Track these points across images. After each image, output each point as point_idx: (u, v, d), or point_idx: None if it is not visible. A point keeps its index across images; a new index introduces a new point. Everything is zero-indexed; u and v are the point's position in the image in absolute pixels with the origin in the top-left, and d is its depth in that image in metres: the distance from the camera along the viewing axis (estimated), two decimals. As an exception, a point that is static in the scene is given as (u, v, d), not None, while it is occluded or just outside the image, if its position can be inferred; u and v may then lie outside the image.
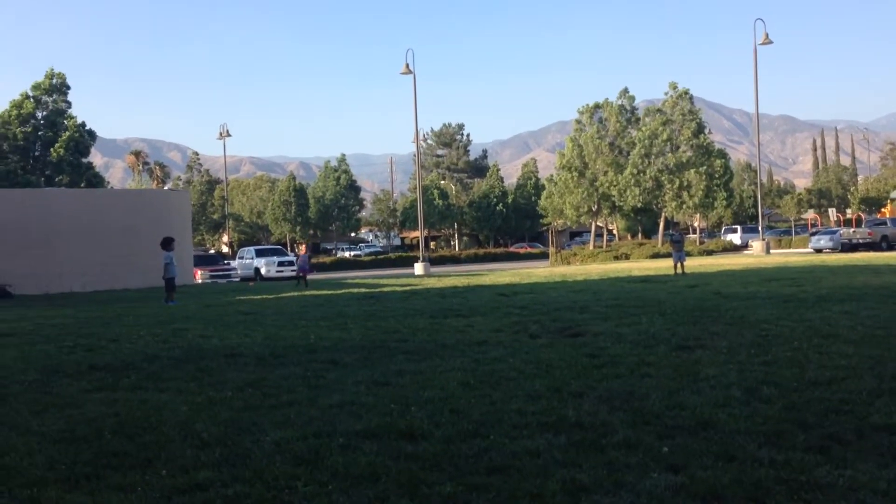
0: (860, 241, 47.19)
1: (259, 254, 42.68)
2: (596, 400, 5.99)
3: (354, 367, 8.05)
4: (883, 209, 77.46)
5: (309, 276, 27.48)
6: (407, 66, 44.61)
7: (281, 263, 40.68)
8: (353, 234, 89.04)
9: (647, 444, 4.69)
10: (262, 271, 40.23)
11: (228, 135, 67.23)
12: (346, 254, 76.64)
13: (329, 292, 21.94)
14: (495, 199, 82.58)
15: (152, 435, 5.39)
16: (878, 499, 3.58)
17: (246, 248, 46.63)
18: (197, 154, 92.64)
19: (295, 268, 22.67)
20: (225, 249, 75.07)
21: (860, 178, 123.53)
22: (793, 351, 7.89)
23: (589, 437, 4.88)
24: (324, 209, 76.83)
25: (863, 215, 74.55)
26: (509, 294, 18.26)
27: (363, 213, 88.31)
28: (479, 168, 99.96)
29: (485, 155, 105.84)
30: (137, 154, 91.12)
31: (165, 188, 74.16)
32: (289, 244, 75.27)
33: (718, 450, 4.50)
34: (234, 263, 43.36)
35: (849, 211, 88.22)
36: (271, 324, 12.81)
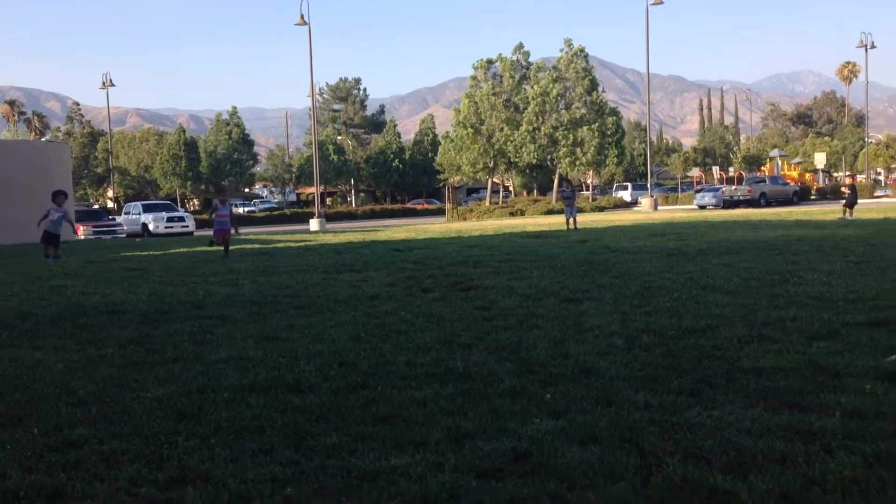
0: (741, 198, 49.42)
1: (147, 209, 41.15)
2: (484, 351, 6.08)
3: (244, 322, 7.91)
4: (762, 167, 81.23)
5: (199, 232, 26.71)
6: (302, 16, 43.48)
7: (170, 219, 39.40)
8: (247, 190, 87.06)
9: (531, 391, 4.80)
10: (150, 227, 38.85)
11: (112, 84, 64.20)
12: (240, 210, 74.87)
13: (220, 248, 21.40)
14: (392, 156, 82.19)
15: (24, 393, 5.16)
16: (742, 436, 3.78)
17: (133, 204, 44.87)
18: (78, 104, 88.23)
19: (221, 225, 18.03)
20: (110, 205, 72.08)
21: (742, 137, 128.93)
22: (673, 301, 8.20)
23: (475, 387, 4.96)
24: (216, 164, 74.60)
25: (744, 173, 78.00)
26: (404, 249, 18.28)
27: (257, 169, 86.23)
28: (376, 124, 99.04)
29: (382, 110, 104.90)
30: (12, 103, 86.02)
31: (43, 140, 70.32)
32: (179, 199, 72.92)
33: (598, 395, 4.65)
34: (120, 219, 41.71)
35: (731, 169, 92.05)
36: (158, 280, 12.43)
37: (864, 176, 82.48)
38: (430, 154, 78.52)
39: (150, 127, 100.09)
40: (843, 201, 27.38)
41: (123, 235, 36.61)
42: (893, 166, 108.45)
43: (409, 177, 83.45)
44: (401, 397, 4.76)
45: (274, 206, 79.28)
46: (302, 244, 22.58)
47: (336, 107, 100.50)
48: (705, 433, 3.86)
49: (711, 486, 3.19)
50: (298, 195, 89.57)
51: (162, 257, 18.10)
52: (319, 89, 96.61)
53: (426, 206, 75.51)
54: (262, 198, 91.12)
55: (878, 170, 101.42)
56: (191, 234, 38.24)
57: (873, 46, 68.46)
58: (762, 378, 4.90)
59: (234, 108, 79.69)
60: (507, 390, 4.84)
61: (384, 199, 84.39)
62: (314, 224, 42.05)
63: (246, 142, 77.43)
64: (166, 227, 38.53)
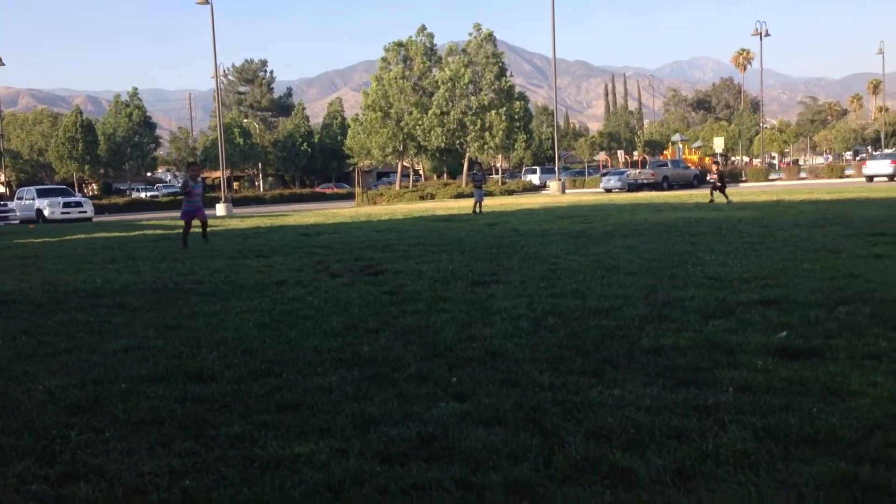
0: (644, 181, 50.80)
1: (41, 194, 39.34)
2: (392, 335, 6.06)
3: (144, 310, 7.66)
4: (665, 151, 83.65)
5: (98, 218, 25.72)
6: (204, -5, 42.24)
7: (66, 205, 37.83)
8: (149, 174, 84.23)
9: (437, 375, 4.81)
10: (46, 213, 37.19)
11: (2, 63, 61.02)
12: (142, 194, 72.54)
13: (121, 234, 20.71)
14: (301, 139, 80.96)
15: None
16: (642, 414, 3.87)
17: (26, 188, 42.83)
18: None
19: (192, 205, 15.44)
20: (1, 190, 68.67)
21: (646, 122, 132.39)
22: (578, 283, 8.34)
23: (382, 372, 4.93)
24: (115, 147, 71.81)
25: (647, 157, 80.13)
26: (313, 234, 18.07)
27: (160, 152, 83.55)
28: (284, 106, 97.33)
29: (290, 93, 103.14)
30: None
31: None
32: (76, 184, 70.03)
33: (504, 377, 4.69)
34: (13, 205, 39.79)
35: (636, 153, 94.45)
36: (53, 268, 11.92)
37: (759, 160, 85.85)
38: (339, 138, 77.67)
39: (45, 108, 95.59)
40: (710, 186, 28.24)
41: (16, 222, 34.99)
42: (787, 150, 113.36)
43: (319, 161, 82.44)
44: (306, 384, 4.70)
45: (177, 190, 76.93)
46: (208, 230, 22.01)
47: (242, 89, 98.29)
48: (606, 412, 3.94)
49: (611, 464, 3.25)
50: (203, 179, 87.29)
51: (58, 245, 17.37)
52: (224, 71, 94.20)
53: (336, 190, 74.82)
54: (166, 182, 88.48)
55: (773, 154, 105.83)
56: (89, 219, 36.84)
57: (767, 34, 71.14)
58: (661, 357, 5.03)
59: (135, 88, 76.84)
60: (413, 374, 4.83)
61: (293, 183, 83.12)
62: (220, 209, 41.11)
63: (147, 124, 74.81)
64: (63, 213, 36.97)
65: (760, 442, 3.40)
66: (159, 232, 21.25)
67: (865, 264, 8.74)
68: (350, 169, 72.66)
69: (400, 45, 59.21)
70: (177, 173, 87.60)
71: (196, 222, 15.87)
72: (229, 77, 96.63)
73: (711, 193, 27.42)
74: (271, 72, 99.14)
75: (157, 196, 69.28)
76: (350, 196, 63.31)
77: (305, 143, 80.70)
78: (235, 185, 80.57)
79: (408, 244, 14.08)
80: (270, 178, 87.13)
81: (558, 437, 3.61)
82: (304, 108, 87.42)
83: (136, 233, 21.35)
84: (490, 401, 4.22)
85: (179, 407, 4.29)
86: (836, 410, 3.75)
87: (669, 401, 4.07)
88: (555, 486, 3.09)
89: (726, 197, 26.62)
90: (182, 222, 15.84)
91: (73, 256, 13.93)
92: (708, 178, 33.08)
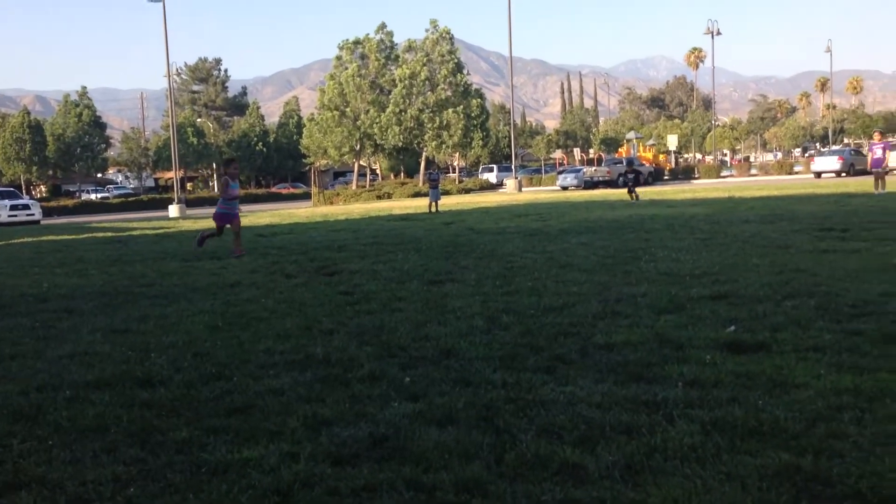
0: (600, 178, 51.30)
1: (-13, 197, 38.43)
2: (346, 336, 6.02)
3: (92, 315, 7.51)
4: (620, 149, 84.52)
5: (46, 221, 25.18)
6: (154, -7, 41.61)
7: (14, 207, 37.00)
8: (99, 175, 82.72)
9: (391, 375, 4.79)
10: (-7, 216, 36.35)
11: (-55, 63, 59.43)
12: (93, 196, 71.11)
13: (69, 237, 20.31)
14: (256, 139, 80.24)
15: None
16: (593, 410, 3.90)
17: (-29, 191, 41.80)
18: None
19: (228, 207, 13.33)
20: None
21: (601, 119, 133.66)
22: (533, 281, 8.38)
23: (335, 373, 4.90)
24: (64, 148, 70.37)
25: (603, 155, 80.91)
26: (268, 235, 17.92)
27: (111, 153, 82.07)
28: (238, 106, 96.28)
29: (244, 92, 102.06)
30: None
31: None
32: (23, 186, 68.46)
33: (457, 376, 4.69)
34: (-42, 208, 38.75)
35: (592, 151, 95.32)
36: (-2, 273, 11.63)
37: (712, 157, 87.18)
38: (295, 137, 77.13)
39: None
40: (629, 185, 27.79)
41: (-39, 225, 34.06)
42: (738, 147, 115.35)
43: (274, 160, 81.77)
44: (257, 387, 4.64)
45: (130, 192, 75.70)
46: (160, 231, 21.73)
47: (196, 88, 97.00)
48: (558, 409, 3.96)
49: (562, 460, 3.27)
50: (157, 180, 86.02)
51: (3, 248, 16.97)
52: (177, 70, 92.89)
53: (292, 190, 74.25)
54: (117, 183, 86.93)
55: (725, 151, 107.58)
56: (37, 222, 36.07)
57: (719, 33, 72.27)
58: (613, 353, 5.07)
59: (84, 88, 75.40)
60: (366, 375, 4.81)
61: (248, 183, 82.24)
62: (174, 210, 40.56)
63: (98, 124, 73.48)
64: (9, 216, 36.14)
65: (707, 435, 3.45)
66: (110, 234, 20.88)
67: (812, 259, 8.92)
68: (306, 168, 72.16)
69: (356, 42, 58.94)
70: (128, 174, 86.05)
71: (228, 226, 13.43)
72: (182, 76, 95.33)
73: (630, 192, 27.08)
74: (226, 70, 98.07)
75: (107, 198, 67.93)
76: (306, 196, 62.88)
77: (261, 143, 80.00)
78: (189, 185, 79.52)
79: (364, 244, 14.03)
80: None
81: (510, 435, 3.62)
82: (259, 108, 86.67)
83: (86, 235, 20.96)
84: (443, 400, 4.21)
85: (126, 413, 4.21)
86: (780, 403, 3.82)
87: (620, 396, 4.11)
88: (506, 484, 3.10)
89: (635, 196, 26.44)
90: (213, 224, 13.64)
91: (20, 260, 13.63)
92: (625, 176, 31.92)
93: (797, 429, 3.46)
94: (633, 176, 28.28)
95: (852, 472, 2.95)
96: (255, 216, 29.48)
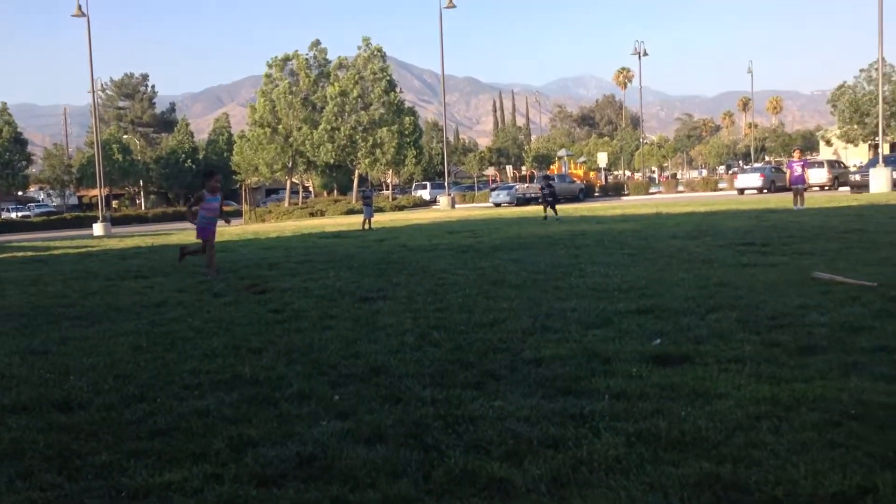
0: (532, 195, 51.86)
1: None
2: (275, 355, 5.94)
3: (8, 336, 7.24)
4: (552, 166, 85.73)
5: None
6: (79, 7, 40.71)
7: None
8: (20, 193, 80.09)
9: (320, 393, 4.74)
10: None
11: None
12: (13, 215, 68.78)
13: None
14: (185, 156, 78.89)
15: None
16: (521, 424, 3.92)
17: None
18: None
19: (207, 222, 12.40)
20: None
21: (533, 137, 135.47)
22: (464, 297, 8.42)
23: (263, 392, 4.82)
24: (-17, 165, 67.99)
25: (535, 172, 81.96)
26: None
27: (32, 170, 79.53)
28: (166, 122, 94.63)
29: (173, 108, 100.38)
30: None
31: None
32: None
33: (387, 393, 4.67)
34: None
35: (524, 168, 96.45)
36: None
37: (640, 174, 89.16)
38: (225, 154, 76.09)
39: None
40: (541, 202, 27.42)
41: None
42: (666, 165, 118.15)
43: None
44: (181, 408, 4.54)
45: (52, 209, 73.44)
46: (83, 250, 21.12)
47: (122, 104, 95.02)
48: (487, 424, 3.97)
49: (489, 475, 3.28)
50: (80, 198, 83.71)
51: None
52: (102, 85, 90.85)
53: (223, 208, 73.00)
54: (39, 201, 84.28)
55: (653, 168, 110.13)
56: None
57: (646, 54, 74.13)
58: (542, 367, 5.12)
59: (4, 104, 73.03)
60: (295, 394, 4.75)
61: (177, 201, 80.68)
62: (98, 228, 39.55)
63: (18, 141, 71.13)
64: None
65: (632, 447, 3.50)
66: (30, 254, 20.21)
67: (734, 273, 9.18)
68: (237, 186, 71.17)
69: (286, 59, 58.57)
70: (50, 192, 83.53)
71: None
72: (108, 91, 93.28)
73: (545, 209, 26.92)
74: (153, 86, 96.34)
75: (28, 216, 65.79)
76: (237, 213, 62.01)
77: (190, 160, 78.67)
78: (115, 203, 77.60)
79: (295, 261, 13.89)
80: (153, 196, 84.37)
81: (439, 452, 3.62)
82: (188, 124, 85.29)
83: (5, 255, 20.25)
84: (372, 418, 4.18)
85: (43, 437, 4.06)
86: (702, 413, 3.91)
87: (548, 410, 4.14)
88: (433, 501, 3.09)
89: (554, 211, 26.45)
90: (201, 238, 12.47)
91: (-66, 281, 13.05)
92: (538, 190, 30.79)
93: (717, 438, 3.54)
94: (549, 192, 27.63)
95: (769, 479, 3.03)
96: (183, 234, 28.91)
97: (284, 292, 9.64)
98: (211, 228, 12.50)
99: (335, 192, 79.63)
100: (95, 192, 58.95)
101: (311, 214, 51.50)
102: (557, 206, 27.95)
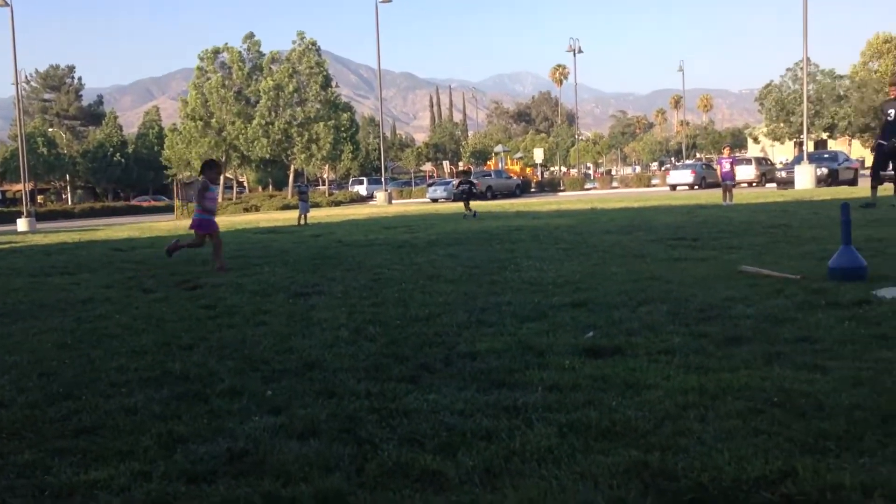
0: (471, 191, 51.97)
1: None
2: (206, 351, 5.84)
3: (-75, 335, 6.96)
4: (489, 162, 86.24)
5: None
6: (1, -6, 39.25)
7: None
8: (-60, 187, 77.06)
9: (252, 389, 4.68)
10: None
11: None
12: (-68, 210, 66.04)
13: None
14: (114, 149, 76.94)
15: None
16: (455, 417, 3.94)
17: None
18: None
19: (206, 217, 12.05)
20: None
21: (470, 133, 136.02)
22: (400, 292, 8.40)
23: (193, 389, 4.74)
24: None
25: (472, 167, 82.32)
26: (126, 249, 17.18)
27: (-48, 163, 76.54)
28: (94, 115, 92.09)
29: (101, 101, 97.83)
30: None
31: None
32: None
33: (321, 388, 4.63)
34: None
35: (461, 164, 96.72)
36: None
37: (576, 170, 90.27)
38: (156, 148, 74.49)
39: None
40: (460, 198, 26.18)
41: None
42: (601, 161, 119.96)
43: (134, 172, 78.64)
44: (108, 405, 4.43)
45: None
46: (6, 246, 20.43)
47: (47, 96, 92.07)
48: (421, 417, 3.97)
49: (422, 467, 3.28)
50: (4, 193, 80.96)
51: None
52: (27, 77, 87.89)
53: (153, 203, 71.59)
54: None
55: (588, 164, 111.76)
56: None
57: (581, 51, 75.07)
58: (477, 360, 5.15)
59: (-78, 94, 70.19)
60: (226, 390, 4.68)
61: (106, 196, 78.71)
62: (22, 224, 38.34)
63: (-63, 133, 68.47)
64: None
65: (564, 437, 3.54)
66: (-50, 250, 19.43)
67: (665, 267, 9.37)
68: (169, 181, 69.73)
69: (216, 52, 57.56)
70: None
71: (206, 239, 12.12)
72: (32, 83, 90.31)
73: (466, 205, 25.84)
74: (79, 78, 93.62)
75: (-51, 211, 63.34)
76: (169, 209, 60.69)
77: (119, 154, 76.79)
78: (40, 198, 75.24)
79: (228, 257, 13.63)
80: (80, 191, 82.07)
81: (372, 445, 3.60)
82: (116, 117, 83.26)
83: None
84: (305, 412, 4.15)
85: (-38, 438, 3.92)
86: (632, 403, 3.98)
87: (482, 403, 4.17)
88: (366, 494, 3.08)
89: (467, 207, 25.32)
90: (199, 232, 11.99)
91: None
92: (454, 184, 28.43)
93: (646, 427, 3.61)
94: (467, 187, 26.38)
95: (695, 466, 3.10)
96: (112, 230, 28.23)
97: (217, 288, 9.48)
98: (214, 220, 12.11)
99: (270, 187, 78.61)
100: (19, 186, 57.04)
101: (246, 210, 50.77)
102: (493, 202, 28.11)
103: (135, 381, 5.00)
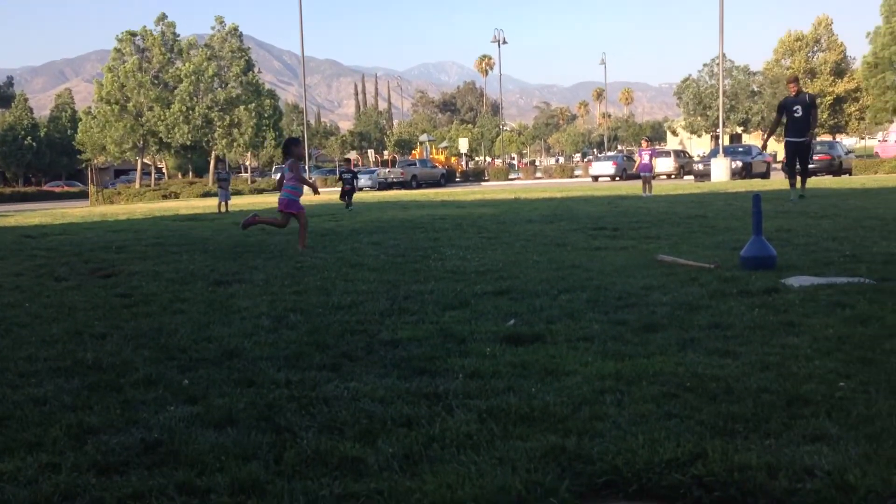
0: (394, 180, 52.06)
1: None
2: (121, 340, 5.68)
3: None
4: (414, 151, 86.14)
5: None
6: None
7: None
8: None
9: (168, 378, 4.57)
10: None
11: None
12: None
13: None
14: (24, 133, 73.94)
15: None
16: (375, 405, 3.93)
17: None
18: None
19: (293, 191, 12.09)
20: None
21: (395, 122, 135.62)
22: (323, 280, 8.33)
23: (106, 379, 4.60)
24: None
25: (397, 157, 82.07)
26: (37, 236, 16.56)
27: None
28: (3, 97, 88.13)
29: (10, 82, 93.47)
30: None
31: None
32: None
33: (240, 377, 4.56)
34: None
35: (386, 152, 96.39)
36: None
37: (500, 160, 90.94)
38: (69, 132, 71.87)
39: None
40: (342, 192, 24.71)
41: None
42: (525, 151, 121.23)
43: (46, 157, 75.78)
44: (16, 396, 4.27)
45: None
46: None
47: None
48: (341, 405, 3.95)
49: (342, 455, 3.27)
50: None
51: None
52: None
53: (66, 188, 69.20)
54: None
55: (513, 154, 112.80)
56: None
57: (505, 42, 75.58)
58: (399, 348, 5.14)
59: None
60: (141, 379, 4.56)
61: (15, 181, 75.64)
62: (-75, 209, 36.45)
63: None
64: None
65: (483, 423, 3.57)
66: None
67: (586, 255, 9.54)
68: (83, 166, 67.43)
69: (133, 34, 55.83)
70: None
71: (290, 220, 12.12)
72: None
73: (343, 198, 24.52)
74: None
75: None
76: (83, 195, 58.73)
77: (30, 137, 73.85)
78: (-55, 182, 71.87)
79: (146, 245, 13.32)
80: (-11, 175, 78.64)
81: (291, 433, 3.57)
82: (27, 99, 79.99)
83: None
84: (223, 401, 4.07)
85: None
86: (551, 389, 4.04)
87: (403, 390, 4.17)
88: (284, 482, 3.04)
89: (348, 201, 24.07)
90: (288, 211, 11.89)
91: None
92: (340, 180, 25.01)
93: (564, 413, 3.67)
94: (350, 178, 24.54)
95: (610, 449, 3.17)
96: (22, 216, 27.18)
97: (133, 276, 9.23)
98: (298, 199, 12.03)
99: (190, 173, 76.79)
100: (-79, 169, 54.48)
101: (165, 197, 49.51)
102: (417, 191, 28.05)
103: (44, 371, 4.83)
